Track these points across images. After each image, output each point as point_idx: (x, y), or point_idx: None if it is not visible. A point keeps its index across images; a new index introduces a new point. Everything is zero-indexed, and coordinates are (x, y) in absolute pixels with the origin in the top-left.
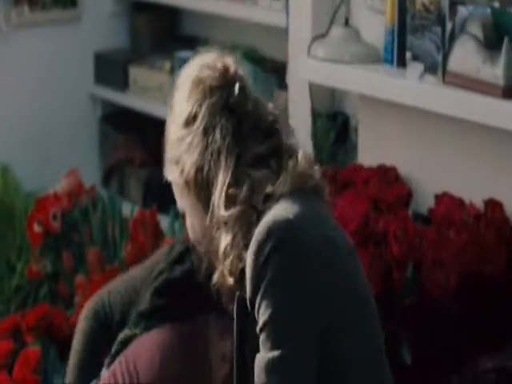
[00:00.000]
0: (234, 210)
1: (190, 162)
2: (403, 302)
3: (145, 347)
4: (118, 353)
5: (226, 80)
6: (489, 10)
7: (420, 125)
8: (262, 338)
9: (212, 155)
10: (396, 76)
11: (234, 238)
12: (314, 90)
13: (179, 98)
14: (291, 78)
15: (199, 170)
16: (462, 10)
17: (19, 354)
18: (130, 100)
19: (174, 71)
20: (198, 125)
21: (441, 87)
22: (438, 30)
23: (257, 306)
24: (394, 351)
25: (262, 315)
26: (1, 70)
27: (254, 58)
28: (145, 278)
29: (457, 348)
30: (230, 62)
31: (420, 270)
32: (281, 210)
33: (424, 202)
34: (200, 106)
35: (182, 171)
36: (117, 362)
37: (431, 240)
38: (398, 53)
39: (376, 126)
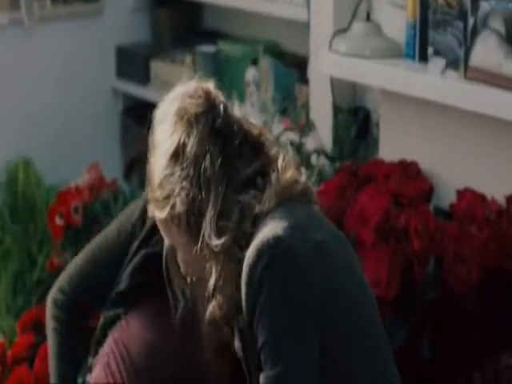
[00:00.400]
0: (225, 239)
1: (183, 194)
2: (424, 298)
3: (134, 329)
4: (103, 336)
5: (209, 104)
6: (511, 5)
7: (441, 120)
8: (262, 357)
9: (203, 184)
10: (418, 71)
11: (224, 270)
12: (336, 84)
13: (163, 134)
14: (312, 72)
15: (192, 201)
16: (484, 5)
17: (40, 347)
18: (151, 94)
19: (195, 65)
20: (188, 155)
21: (462, 82)
22: (460, 24)
23: (255, 326)
24: (415, 347)
25: (261, 335)
26: (23, 64)
27: (275, 52)
28: (112, 246)
29: (478, 344)
30: (210, 85)
31: (441, 266)
32: (269, 229)
33: (445, 197)
34: (188, 135)
35: (173, 206)
36: (106, 349)
37: (453, 235)
38: (419, 48)
39: (397, 121)
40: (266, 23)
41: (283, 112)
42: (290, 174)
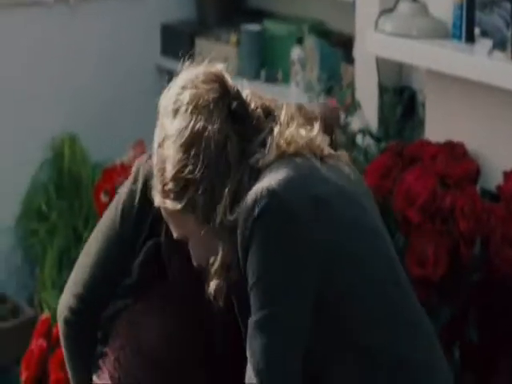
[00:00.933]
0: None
1: (204, 183)
2: (470, 279)
3: (144, 318)
4: (111, 328)
5: (223, 88)
6: None
7: (488, 101)
8: (251, 301)
9: (224, 169)
10: (464, 51)
11: (232, 242)
12: (381, 64)
13: (178, 124)
14: (358, 52)
15: (212, 188)
16: None
17: None
18: None
19: (239, 44)
20: (207, 142)
21: (509, 63)
22: (508, 5)
23: (246, 271)
24: (460, 328)
25: (250, 279)
26: (69, 41)
27: (320, 31)
28: (116, 241)
29: None
30: (219, 69)
31: (488, 247)
32: (264, 182)
33: (492, 178)
34: (206, 122)
35: (191, 196)
36: (117, 342)
37: (500, 216)
38: (466, 28)
39: (443, 102)
40: (311, 2)
41: (328, 91)
42: (293, 127)
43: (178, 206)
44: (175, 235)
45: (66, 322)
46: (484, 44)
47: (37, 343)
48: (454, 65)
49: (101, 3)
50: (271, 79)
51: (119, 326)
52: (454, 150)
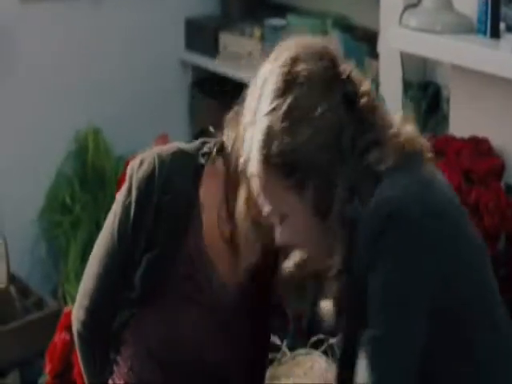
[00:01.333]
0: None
1: (316, 167)
2: (496, 275)
3: (151, 326)
4: (121, 337)
5: (337, 68)
6: None
7: None
8: (370, 310)
9: (335, 157)
10: (489, 47)
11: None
12: (405, 59)
13: (290, 99)
14: (382, 46)
15: (320, 169)
16: None
17: None
18: (220, 66)
19: (264, 39)
20: (322, 123)
21: None
22: None
23: (368, 284)
24: None
25: (375, 294)
26: (94, 34)
27: (344, 26)
28: (118, 250)
29: None
30: (332, 44)
31: None
32: (388, 190)
33: None
34: (322, 99)
35: (303, 176)
36: (128, 352)
37: None
38: (491, 23)
39: (468, 97)
40: None
41: None
42: (408, 127)
43: (284, 183)
44: (265, 212)
45: (78, 334)
46: (509, 39)
47: (60, 336)
48: (478, 60)
49: None
50: None
51: (128, 334)
52: (478, 146)
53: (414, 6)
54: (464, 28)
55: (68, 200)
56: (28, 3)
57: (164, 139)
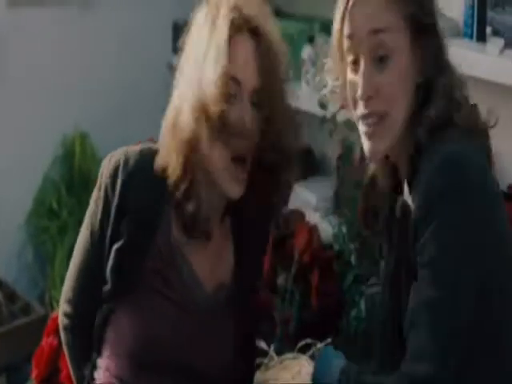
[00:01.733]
0: None
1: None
2: None
3: (126, 325)
4: (101, 336)
5: None
6: None
7: (500, 100)
8: (424, 272)
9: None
10: (476, 50)
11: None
12: None
13: None
14: None
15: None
16: None
17: None
18: None
19: None
20: None
21: None
22: None
23: (423, 235)
24: None
25: (427, 251)
26: (81, 39)
27: (331, 30)
28: (95, 246)
29: None
30: None
31: None
32: (458, 145)
33: (504, 178)
34: None
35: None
36: (106, 351)
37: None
38: (477, 27)
39: None
40: (322, 1)
41: None
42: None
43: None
44: (374, 29)
45: (64, 327)
46: (496, 43)
47: (47, 341)
48: (465, 64)
49: (114, 1)
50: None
51: (106, 333)
52: None
53: None
54: (451, 32)
55: (55, 205)
56: (16, 8)
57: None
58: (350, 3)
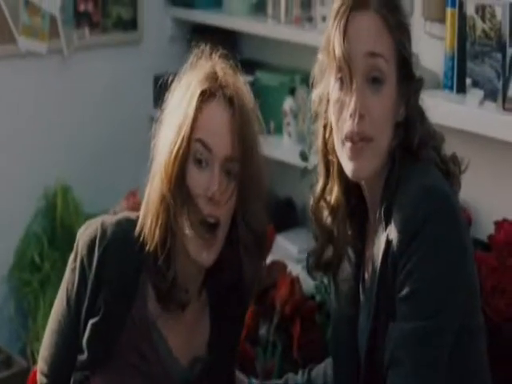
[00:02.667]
0: None
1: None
2: None
3: None
4: None
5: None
6: None
7: (479, 151)
8: (407, 304)
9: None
10: (456, 102)
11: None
12: None
13: None
14: None
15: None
16: None
17: None
18: None
19: None
20: None
21: (501, 114)
22: (499, 56)
23: (402, 267)
24: None
25: (413, 282)
26: (62, 92)
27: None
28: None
29: None
30: None
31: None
32: (432, 176)
33: (484, 228)
34: None
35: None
36: None
37: (491, 267)
38: (457, 79)
39: None
40: (302, 53)
41: None
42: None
43: (389, 32)
44: (375, 52)
45: None
46: (475, 94)
47: None
48: (445, 115)
49: (94, 54)
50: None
51: None
52: None
53: None
54: (431, 83)
55: (37, 258)
56: None
57: (134, 196)
58: (344, 23)
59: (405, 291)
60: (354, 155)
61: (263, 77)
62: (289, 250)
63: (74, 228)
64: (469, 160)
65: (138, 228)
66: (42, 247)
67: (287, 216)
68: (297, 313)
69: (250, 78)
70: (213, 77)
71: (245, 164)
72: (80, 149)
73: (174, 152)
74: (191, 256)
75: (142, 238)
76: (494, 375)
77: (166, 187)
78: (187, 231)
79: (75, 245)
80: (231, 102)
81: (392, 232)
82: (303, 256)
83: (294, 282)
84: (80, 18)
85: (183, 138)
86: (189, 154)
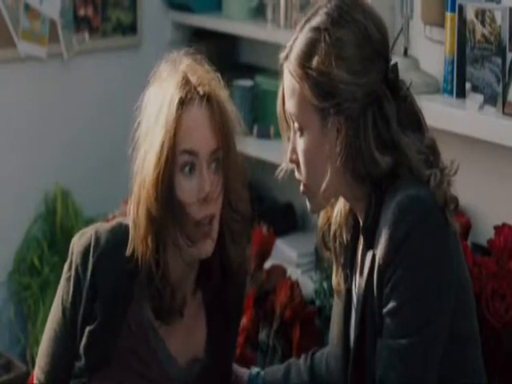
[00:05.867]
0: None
1: (349, 106)
2: None
3: None
4: None
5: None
6: None
7: (479, 155)
8: (393, 320)
9: (372, 114)
10: (455, 106)
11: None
12: None
13: (344, 34)
14: None
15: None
16: None
17: None
18: None
19: (232, 98)
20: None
21: (500, 118)
22: (498, 60)
23: (387, 281)
24: None
25: (396, 297)
26: (62, 96)
27: None
28: (67, 319)
29: None
30: None
31: (479, 301)
32: (414, 189)
33: (483, 233)
34: (368, 55)
35: (333, 107)
36: None
37: (491, 271)
38: (457, 83)
39: None
40: None
41: None
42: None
43: (314, 101)
44: (288, 109)
45: None
46: (475, 99)
47: None
48: (445, 120)
49: (94, 59)
50: (263, 135)
51: None
52: None
53: None
54: (430, 88)
55: (36, 262)
56: None
57: None
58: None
59: (390, 306)
60: (304, 196)
61: (262, 81)
62: (288, 255)
63: (73, 232)
64: (458, 164)
65: (129, 242)
66: (41, 251)
67: (287, 221)
68: (296, 317)
69: (249, 83)
70: (185, 81)
71: (227, 150)
72: (80, 153)
73: (162, 169)
74: (188, 252)
75: (133, 249)
76: (494, 380)
77: (154, 205)
78: (181, 241)
79: (69, 253)
80: (208, 98)
81: (378, 247)
82: (303, 260)
83: (294, 286)
84: (80, 23)
85: (168, 154)
86: (175, 167)
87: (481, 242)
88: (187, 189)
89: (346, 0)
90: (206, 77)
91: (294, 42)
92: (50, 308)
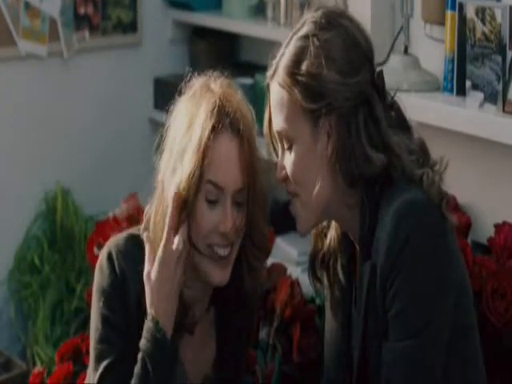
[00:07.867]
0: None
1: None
2: None
3: None
4: None
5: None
6: None
7: (480, 154)
8: (397, 323)
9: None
10: (455, 105)
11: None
12: None
13: (331, 36)
14: None
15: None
16: None
17: (79, 376)
18: None
19: None
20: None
21: (501, 116)
22: (499, 58)
23: (389, 286)
24: None
25: (397, 301)
26: (62, 94)
27: None
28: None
29: None
30: None
31: (479, 300)
32: (410, 194)
33: (483, 231)
34: (357, 58)
35: (324, 111)
36: None
37: (491, 270)
38: (457, 81)
39: (435, 155)
40: None
41: None
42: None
43: (305, 105)
44: (276, 127)
45: None
46: (475, 97)
47: None
48: (445, 118)
49: (94, 57)
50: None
51: None
52: None
53: (381, 64)
54: (430, 86)
55: (37, 260)
56: None
57: (133, 199)
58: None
59: (394, 310)
60: (292, 212)
61: (263, 79)
62: (289, 253)
63: (73, 231)
64: (448, 159)
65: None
66: (42, 250)
67: (287, 219)
68: (297, 316)
69: (249, 81)
70: (219, 108)
71: (252, 190)
72: (80, 151)
73: (185, 192)
74: (206, 278)
75: None
76: (494, 378)
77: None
78: (197, 259)
79: (95, 290)
80: (238, 130)
81: (378, 255)
82: (303, 259)
83: (294, 284)
84: (80, 21)
85: (194, 181)
86: (199, 194)
87: (481, 241)
88: (208, 218)
89: (333, 9)
90: (239, 108)
91: (280, 58)
92: (50, 307)
